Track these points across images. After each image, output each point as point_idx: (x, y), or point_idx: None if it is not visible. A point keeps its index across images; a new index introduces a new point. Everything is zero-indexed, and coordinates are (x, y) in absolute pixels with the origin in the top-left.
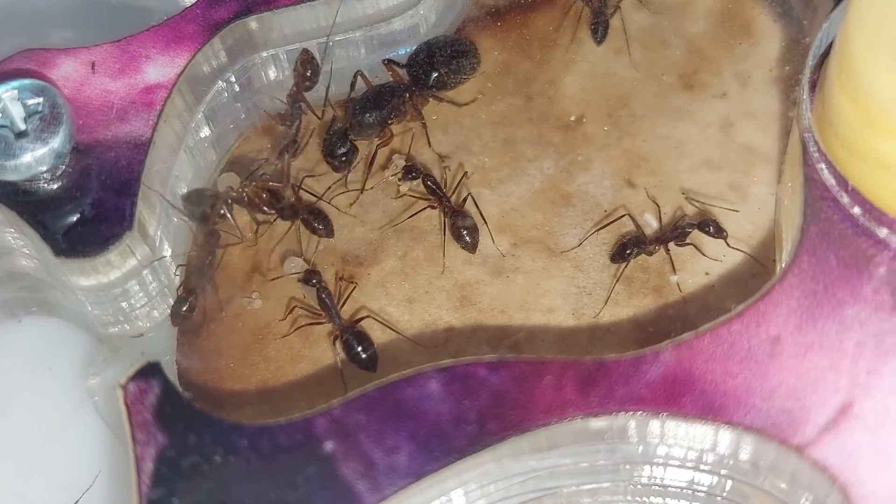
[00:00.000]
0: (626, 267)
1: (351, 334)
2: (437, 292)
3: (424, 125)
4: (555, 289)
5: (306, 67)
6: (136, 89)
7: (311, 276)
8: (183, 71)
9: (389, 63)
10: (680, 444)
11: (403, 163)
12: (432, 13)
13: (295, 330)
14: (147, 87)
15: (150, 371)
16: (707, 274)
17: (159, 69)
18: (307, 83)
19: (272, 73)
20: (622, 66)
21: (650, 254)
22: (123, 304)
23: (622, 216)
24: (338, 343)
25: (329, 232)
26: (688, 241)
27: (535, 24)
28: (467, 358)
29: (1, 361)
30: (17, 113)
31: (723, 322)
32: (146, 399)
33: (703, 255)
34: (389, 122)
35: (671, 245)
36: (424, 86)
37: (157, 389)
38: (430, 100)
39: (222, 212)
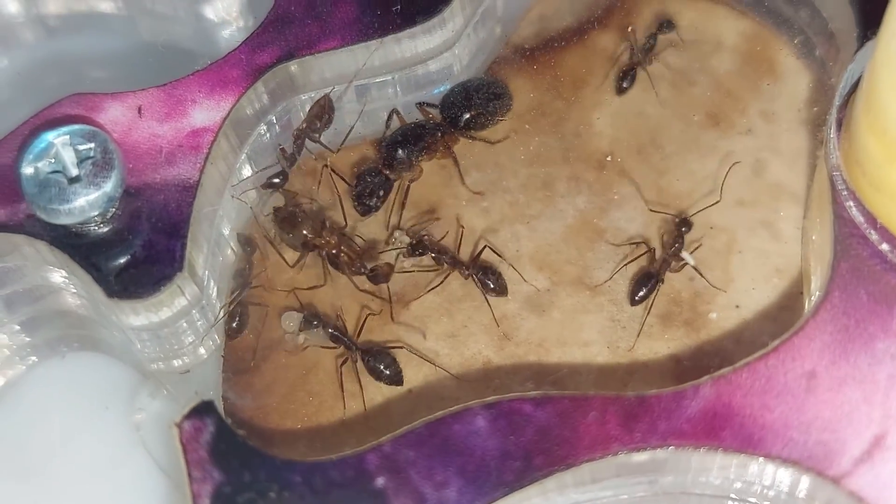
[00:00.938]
0: (654, 299)
1: (371, 356)
2: (475, 327)
3: (457, 163)
4: (590, 323)
5: (322, 113)
6: (182, 133)
7: (310, 321)
8: (228, 114)
9: (422, 106)
10: (719, 475)
11: (407, 238)
12: (465, 54)
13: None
14: (194, 131)
15: (205, 409)
16: (738, 307)
17: (205, 113)
18: (318, 126)
19: None
20: (651, 104)
21: (663, 282)
22: (171, 342)
23: (646, 252)
24: (358, 366)
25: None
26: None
27: (567, 65)
28: (512, 394)
29: (47, 398)
30: (70, 158)
31: (759, 357)
32: (201, 437)
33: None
34: (420, 159)
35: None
36: (457, 126)
37: (212, 427)
38: (464, 139)
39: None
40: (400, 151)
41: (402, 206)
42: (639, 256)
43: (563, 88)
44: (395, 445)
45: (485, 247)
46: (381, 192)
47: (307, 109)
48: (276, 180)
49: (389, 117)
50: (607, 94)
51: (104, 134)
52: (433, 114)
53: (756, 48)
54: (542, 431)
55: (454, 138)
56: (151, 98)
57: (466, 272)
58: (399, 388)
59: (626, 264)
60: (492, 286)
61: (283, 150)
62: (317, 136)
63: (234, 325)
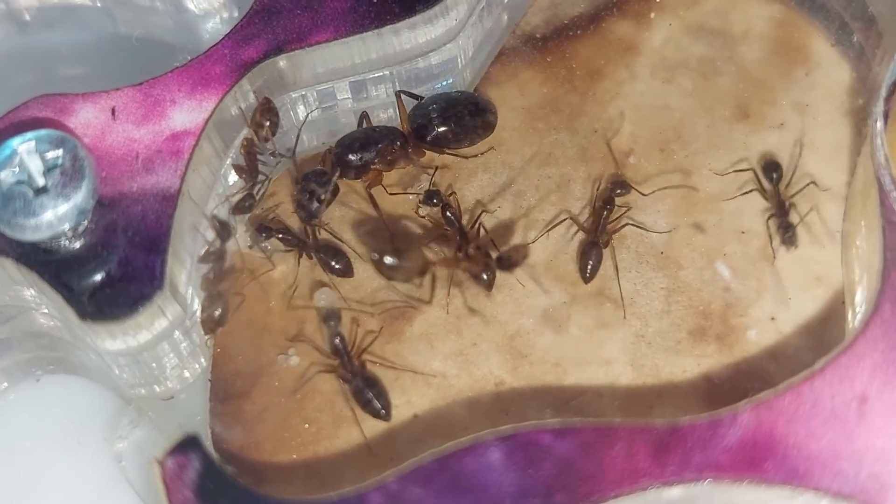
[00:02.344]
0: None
1: (361, 380)
2: (485, 344)
3: (422, 171)
4: (611, 338)
5: (265, 118)
6: (161, 136)
7: (330, 317)
8: (211, 115)
9: (401, 94)
10: None
11: (428, 186)
12: (470, 45)
13: (306, 381)
14: (174, 134)
15: (189, 444)
16: (773, 319)
17: (186, 114)
18: (264, 133)
19: (301, 114)
20: (674, 96)
21: (605, 245)
22: (153, 366)
23: (565, 219)
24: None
25: (347, 271)
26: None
27: (581, 56)
28: (529, 423)
29: (20, 425)
30: (35, 167)
31: (804, 379)
32: (185, 475)
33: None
34: (373, 165)
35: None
36: (423, 140)
37: (198, 464)
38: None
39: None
40: (351, 156)
41: (377, 209)
42: (559, 223)
43: (578, 81)
44: (401, 482)
45: (479, 219)
46: (323, 198)
47: (297, 110)
48: (247, 203)
49: (360, 121)
50: (626, 87)
51: (73, 140)
52: (406, 110)
53: (787, 35)
54: (564, 465)
55: (419, 151)
56: (127, 98)
57: (464, 244)
58: (403, 414)
59: (550, 228)
60: (483, 276)
61: (237, 167)
62: (265, 144)
63: (216, 313)
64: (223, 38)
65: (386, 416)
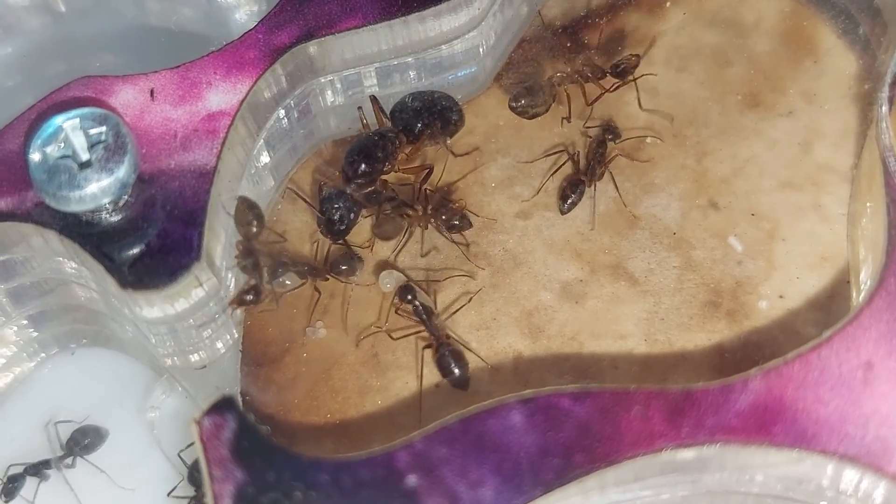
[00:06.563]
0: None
1: (448, 351)
2: (505, 319)
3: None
4: (626, 314)
5: (246, 215)
6: (198, 117)
7: (406, 293)
8: (245, 97)
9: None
10: (768, 473)
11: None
12: (492, 34)
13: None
14: (210, 115)
15: (225, 405)
16: (781, 297)
17: (221, 96)
18: (253, 230)
19: (329, 98)
20: (688, 84)
21: (590, 184)
22: (187, 336)
23: (568, 159)
24: (432, 355)
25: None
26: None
27: (598, 44)
28: (549, 388)
29: (56, 396)
30: (80, 143)
31: (812, 348)
32: (222, 434)
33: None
34: (384, 170)
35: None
36: (411, 134)
37: (234, 424)
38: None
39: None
40: (364, 165)
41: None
42: (562, 165)
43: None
44: (426, 442)
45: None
46: (352, 216)
47: (325, 94)
48: (249, 297)
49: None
50: (639, 75)
51: (116, 117)
52: (382, 117)
53: (796, 26)
54: (583, 427)
55: (416, 147)
56: (164, 81)
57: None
58: (430, 383)
59: (552, 174)
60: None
61: (244, 266)
62: (258, 237)
63: (249, 296)
64: (257, 24)
65: (464, 388)
